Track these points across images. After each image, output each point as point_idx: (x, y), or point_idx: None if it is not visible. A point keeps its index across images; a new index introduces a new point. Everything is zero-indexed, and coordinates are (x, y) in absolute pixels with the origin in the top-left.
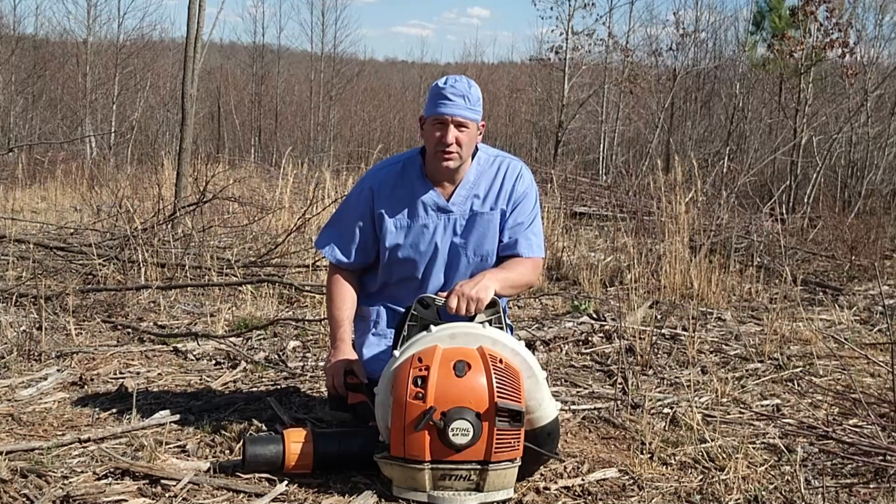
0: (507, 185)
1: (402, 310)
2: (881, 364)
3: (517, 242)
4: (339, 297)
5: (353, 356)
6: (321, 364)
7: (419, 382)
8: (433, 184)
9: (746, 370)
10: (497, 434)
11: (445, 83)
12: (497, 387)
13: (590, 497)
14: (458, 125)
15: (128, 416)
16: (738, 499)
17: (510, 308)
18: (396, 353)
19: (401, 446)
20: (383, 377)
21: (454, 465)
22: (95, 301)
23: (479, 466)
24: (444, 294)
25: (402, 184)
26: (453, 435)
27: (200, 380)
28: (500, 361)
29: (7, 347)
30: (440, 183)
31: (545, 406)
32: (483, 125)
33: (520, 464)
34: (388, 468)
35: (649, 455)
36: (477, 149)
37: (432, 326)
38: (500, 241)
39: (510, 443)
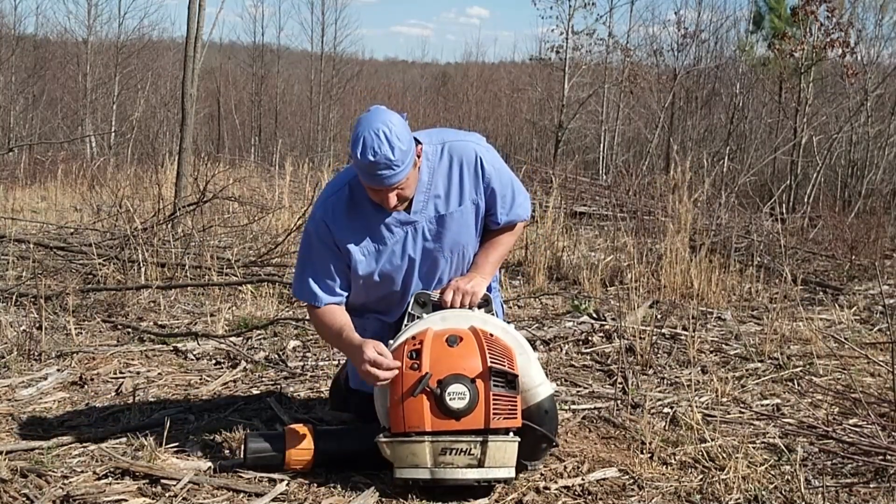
0: (469, 177)
1: (390, 320)
2: (881, 364)
3: (518, 215)
4: (331, 318)
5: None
6: (322, 363)
7: (414, 355)
8: None
9: (746, 370)
10: (494, 399)
11: (363, 155)
12: (489, 353)
13: (590, 497)
14: (395, 187)
15: (128, 416)
16: (738, 499)
17: (510, 308)
18: (391, 342)
19: (400, 419)
20: None
21: (454, 437)
22: (95, 301)
23: (479, 438)
24: (440, 291)
25: (355, 209)
26: (450, 399)
27: (200, 379)
28: (491, 335)
29: (7, 347)
30: None
31: (539, 382)
32: (420, 148)
33: (519, 440)
34: (390, 448)
35: (649, 455)
36: (419, 141)
37: (425, 315)
38: (497, 223)
39: (507, 408)
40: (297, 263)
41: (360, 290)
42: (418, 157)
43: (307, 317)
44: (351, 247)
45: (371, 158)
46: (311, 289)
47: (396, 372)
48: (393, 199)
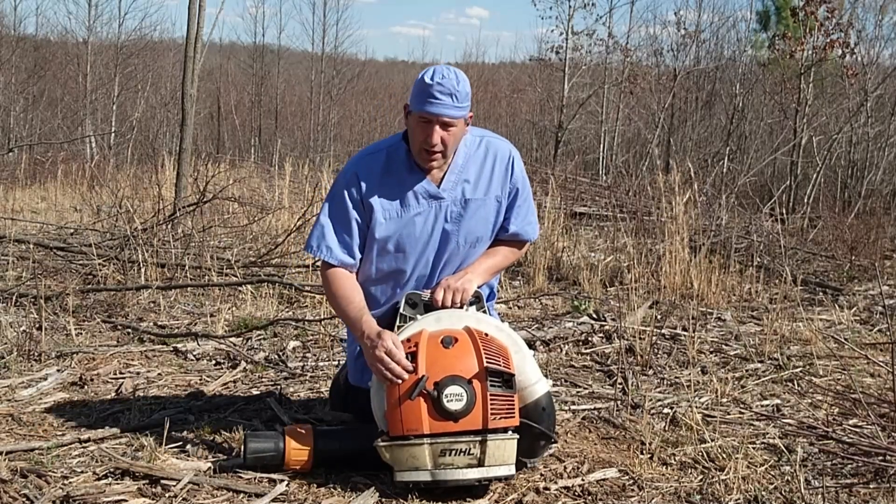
0: (499, 173)
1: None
2: (881, 364)
3: (525, 231)
4: (348, 289)
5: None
6: (322, 364)
7: (409, 358)
8: (421, 170)
9: (746, 370)
10: (491, 399)
11: (433, 78)
12: (485, 353)
13: (590, 497)
14: (445, 125)
15: (128, 416)
16: (738, 499)
17: (509, 308)
18: None
19: (398, 422)
20: None
21: (453, 438)
22: (95, 301)
23: (478, 438)
24: (430, 290)
25: (389, 172)
26: (448, 401)
27: (200, 380)
28: (486, 335)
29: (7, 347)
30: (428, 169)
31: (535, 379)
32: (471, 116)
33: (518, 437)
34: (389, 452)
35: (649, 455)
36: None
37: (418, 316)
38: (506, 230)
39: (505, 407)
40: (317, 219)
41: (371, 259)
42: (467, 123)
43: (307, 317)
44: (375, 206)
45: (439, 80)
46: (328, 242)
47: (404, 374)
48: (437, 136)
